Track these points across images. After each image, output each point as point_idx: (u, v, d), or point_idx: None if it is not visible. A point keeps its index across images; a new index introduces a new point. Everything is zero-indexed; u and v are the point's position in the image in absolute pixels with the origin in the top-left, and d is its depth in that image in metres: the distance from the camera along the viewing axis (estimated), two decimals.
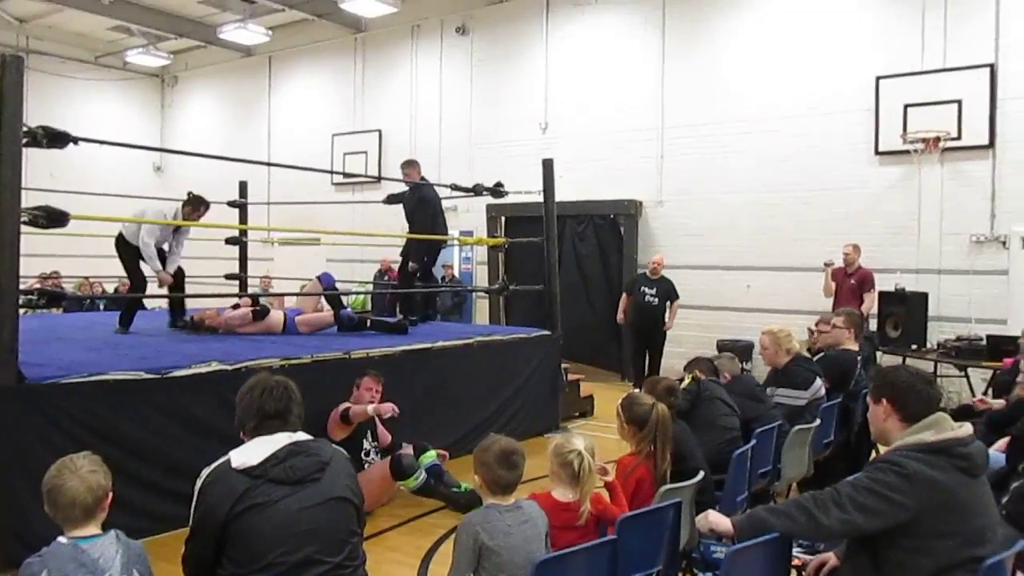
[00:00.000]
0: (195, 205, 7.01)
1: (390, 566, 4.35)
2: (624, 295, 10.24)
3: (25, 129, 4.38)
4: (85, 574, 2.34)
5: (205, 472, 2.59)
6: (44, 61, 15.67)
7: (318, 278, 7.40)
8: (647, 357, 9.91)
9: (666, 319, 9.84)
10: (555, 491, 3.11)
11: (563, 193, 9.06)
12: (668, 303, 9.85)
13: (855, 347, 6.18)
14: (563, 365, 8.43)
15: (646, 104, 11.62)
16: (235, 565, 2.47)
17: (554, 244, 8.28)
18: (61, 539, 2.43)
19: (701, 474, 3.71)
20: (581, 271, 11.98)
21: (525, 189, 8.29)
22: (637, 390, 4.39)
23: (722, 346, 9.96)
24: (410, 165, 8.41)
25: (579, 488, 3.08)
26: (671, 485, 3.49)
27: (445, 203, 13.16)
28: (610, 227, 11.83)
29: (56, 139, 4.59)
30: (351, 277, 13.54)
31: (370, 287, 13.27)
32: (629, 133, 11.74)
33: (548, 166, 8.25)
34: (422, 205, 8.16)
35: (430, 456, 5.51)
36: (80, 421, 4.51)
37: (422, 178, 8.34)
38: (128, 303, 7.18)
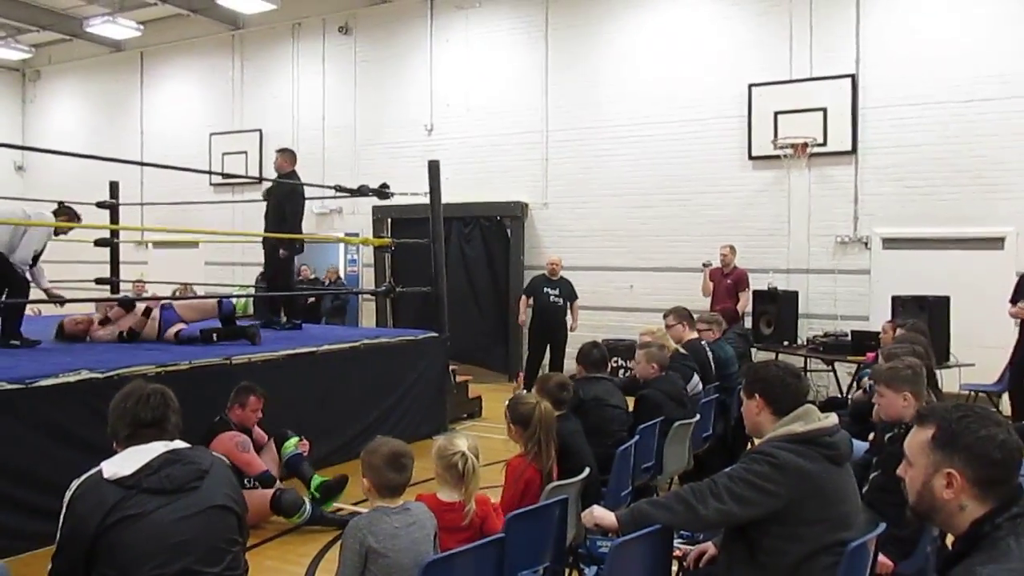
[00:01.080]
0: (69, 217, 6.65)
1: (274, 575, 4.25)
2: (523, 297, 10.35)
3: None
4: None
5: (74, 484, 2.46)
6: None
7: (219, 301, 7.07)
8: (548, 358, 10.04)
9: (568, 320, 10.01)
10: (440, 492, 3.11)
11: (449, 195, 9.07)
12: (569, 303, 10.03)
13: (695, 335, 6.45)
14: (451, 367, 8.44)
15: (531, 107, 11.76)
16: None
17: (441, 245, 8.28)
18: None
19: (587, 471, 3.78)
20: (468, 272, 12.01)
21: (411, 191, 8.25)
22: (525, 391, 4.43)
23: (607, 346, 10.17)
24: (283, 153, 8.25)
25: (464, 488, 3.09)
26: (557, 482, 3.55)
27: (330, 204, 13.12)
28: (496, 229, 11.92)
29: None
30: (231, 280, 13.14)
31: (251, 290, 12.89)
32: (515, 136, 11.86)
33: (434, 168, 8.24)
34: (293, 196, 8.02)
35: (291, 445, 5.41)
36: None
37: (293, 171, 8.16)
38: (9, 311, 6.34)
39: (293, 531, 5.08)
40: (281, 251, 8.00)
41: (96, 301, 6.90)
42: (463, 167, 11.80)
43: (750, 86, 10.16)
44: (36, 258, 6.54)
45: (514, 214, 11.71)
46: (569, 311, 10.04)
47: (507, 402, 3.88)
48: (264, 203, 8.33)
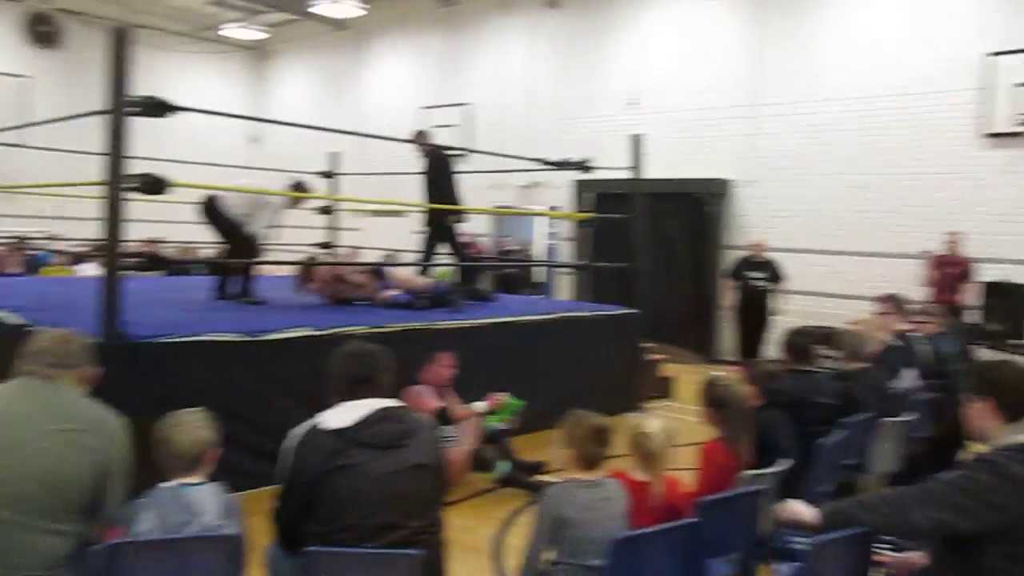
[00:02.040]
0: (300, 190, 7.19)
1: (466, 534, 4.41)
2: (729, 280, 10.10)
3: (130, 99, 4.55)
4: (185, 515, 2.53)
5: (296, 432, 2.68)
6: (150, 35, 16.19)
7: (434, 284, 7.38)
8: (754, 342, 9.75)
9: (773, 303, 9.67)
10: (632, 471, 3.11)
11: (652, 170, 8.92)
12: (774, 286, 9.68)
13: (909, 327, 5.95)
14: (645, 345, 8.37)
15: (740, 80, 11.33)
16: (320, 523, 2.55)
17: (641, 222, 8.18)
18: (164, 484, 2.62)
19: (789, 462, 3.63)
20: (667, 250, 11.81)
21: (614, 165, 8.19)
22: (721, 373, 4.31)
23: (814, 334, 9.71)
24: (423, 135, 8.37)
25: (652, 470, 3.06)
26: (754, 471, 3.44)
27: (534, 176, 13.32)
28: (699, 206, 11.63)
29: (158, 109, 4.76)
30: (436, 250, 13.66)
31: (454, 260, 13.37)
32: (721, 110, 11.48)
33: (637, 142, 8.14)
34: (441, 169, 8.11)
35: (495, 419, 5.51)
36: (178, 379, 4.70)
37: (433, 145, 8.24)
38: (243, 270, 6.99)
39: (486, 493, 5.26)
40: (450, 219, 8.13)
41: (353, 265, 7.20)
42: (667, 142, 11.57)
43: (990, 55, 9.22)
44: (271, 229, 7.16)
45: (718, 191, 11.38)
46: (774, 294, 9.66)
47: (702, 384, 3.80)
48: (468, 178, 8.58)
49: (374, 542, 2.50)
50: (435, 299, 6.87)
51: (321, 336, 5.36)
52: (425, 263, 8.23)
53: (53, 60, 15.82)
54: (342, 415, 2.66)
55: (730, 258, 10.72)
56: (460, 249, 8.44)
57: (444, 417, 5.30)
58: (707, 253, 11.44)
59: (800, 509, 2.76)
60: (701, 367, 10.49)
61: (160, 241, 13.08)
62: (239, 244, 6.79)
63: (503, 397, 5.60)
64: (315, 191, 7.45)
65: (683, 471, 3.40)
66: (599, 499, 2.78)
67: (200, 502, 2.58)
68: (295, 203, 7.18)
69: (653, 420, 3.15)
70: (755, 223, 11.13)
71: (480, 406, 5.46)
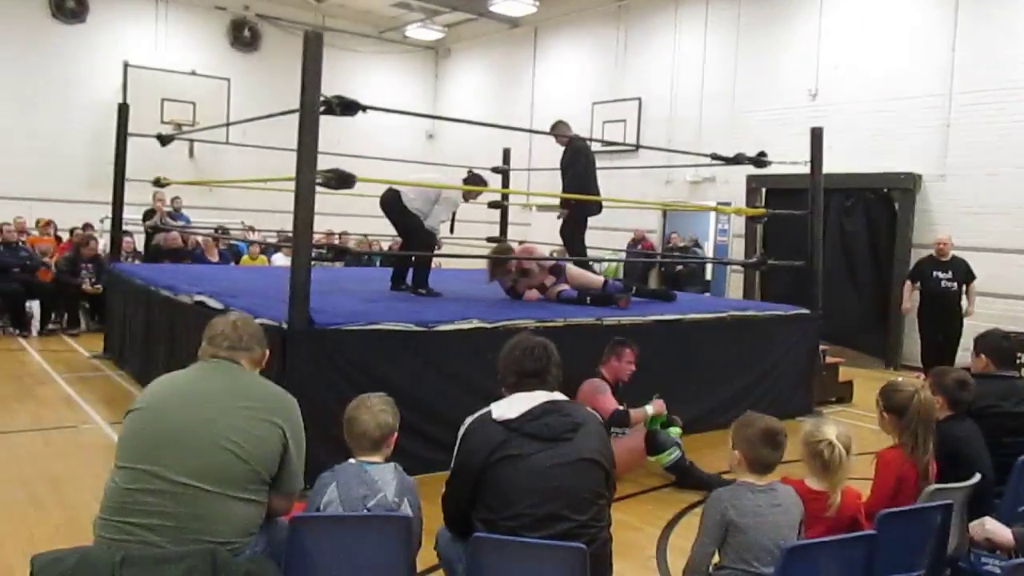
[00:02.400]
0: (475, 183, 7.37)
1: (630, 532, 4.40)
2: (908, 282, 9.51)
3: (322, 99, 4.83)
4: (365, 489, 2.69)
5: (468, 420, 2.76)
6: (337, 37, 17.12)
7: (605, 282, 7.35)
8: (940, 348, 9.12)
9: (964, 305, 9.02)
10: (807, 479, 2.97)
11: (831, 164, 8.50)
12: (964, 286, 9.02)
13: None
14: (821, 347, 8.01)
15: (931, 69, 10.58)
16: (488, 510, 2.62)
17: (819, 218, 7.82)
18: (351, 460, 2.81)
19: (978, 476, 3.37)
20: (847, 249, 11.24)
21: (790, 159, 7.88)
22: (903, 378, 4.05)
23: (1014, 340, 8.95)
24: (560, 125, 8.18)
25: (829, 479, 2.91)
26: (941, 485, 3.21)
27: (703, 172, 13.05)
28: (882, 203, 10.99)
29: (348, 108, 5.03)
30: (605, 245, 13.67)
31: (622, 255, 13.33)
32: (909, 101, 10.77)
33: (817, 135, 7.78)
34: (575, 156, 7.95)
35: (676, 431, 5.48)
36: (356, 364, 4.96)
37: (573, 136, 8.09)
38: (419, 264, 7.22)
39: (652, 492, 5.22)
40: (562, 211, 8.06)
41: (533, 260, 7.31)
42: (848, 135, 11.01)
43: None
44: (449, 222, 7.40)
45: (904, 186, 10.70)
46: (964, 295, 8.97)
47: (881, 388, 3.59)
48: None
49: (539, 532, 2.54)
50: (602, 296, 6.85)
51: (491, 328, 5.49)
52: (584, 258, 8.18)
53: (250, 62, 17.04)
54: (510, 406, 2.72)
55: (915, 257, 10.05)
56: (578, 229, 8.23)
57: (622, 419, 5.32)
58: (891, 251, 10.78)
59: (995, 528, 2.57)
60: (882, 372, 9.95)
61: (342, 233, 13.84)
62: (416, 237, 7.06)
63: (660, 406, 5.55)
64: (488, 184, 7.60)
65: (859, 480, 3.22)
66: (769, 505, 2.69)
67: (380, 479, 2.73)
68: (470, 196, 7.36)
69: (830, 426, 2.98)
70: (944, 220, 10.38)
71: (650, 409, 5.43)
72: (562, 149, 8.12)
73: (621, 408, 5.31)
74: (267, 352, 2.94)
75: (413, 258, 7.26)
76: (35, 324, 10.27)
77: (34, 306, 10.33)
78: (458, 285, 7.97)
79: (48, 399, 7.06)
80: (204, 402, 2.61)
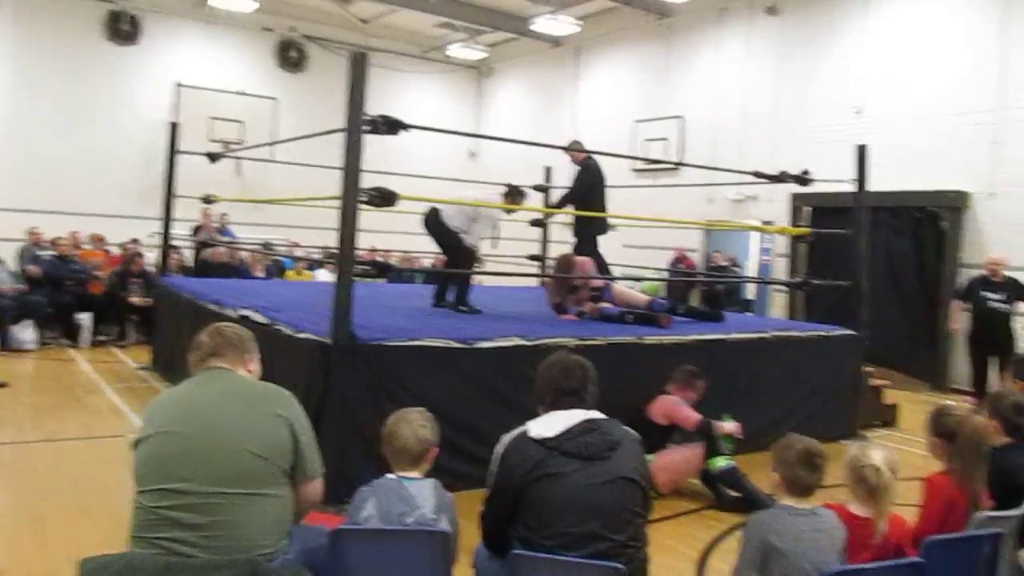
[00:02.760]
0: (513, 197, 7.40)
1: (667, 555, 4.36)
2: (955, 301, 9.32)
3: (366, 118, 4.91)
4: (403, 506, 2.70)
5: (505, 439, 2.77)
6: (381, 57, 17.36)
7: (650, 302, 7.33)
8: (989, 370, 8.92)
9: (1016, 326, 8.82)
10: (850, 504, 2.91)
11: (877, 182, 8.39)
12: (1017, 308, 8.83)
13: None
14: (866, 369, 7.88)
15: (980, 84, 10.40)
16: (527, 529, 2.62)
17: (864, 237, 7.72)
18: (389, 475, 2.83)
19: None
20: (893, 268, 11.06)
21: (834, 177, 7.79)
22: (952, 402, 3.97)
23: None
24: (576, 144, 8.32)
25: (875, 505, 2.85)
26: (993, 513, 3.13)
27: (745, 190, 12.95)
28: (930, 221, 10.79)
29: (392, 127, 5.10)
30: (646, 263, 13.61)
31: (663, 275, 13.26)
32: (957, 117, 10.59)
33: (862, 153, 7.69)
34: (581, 174, 8.08)
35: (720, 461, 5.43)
36: (397, 380, 5.00)
37: (588, 156, 8.14)
38: (460, 281, 7.27)
39: (692, 513, 5.17)
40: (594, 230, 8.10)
41: (576, 279, 7.34)
42: (894, 152, 10.85)
43: None
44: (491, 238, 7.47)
45: (953, 204, 10.50)
46: (1015, 317, 8.76)
47: (930, 413, 3.52)
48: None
49: (577, 551, 2.53)
50: (644, 315, 6.83)
51: (531, 346, 5.50)
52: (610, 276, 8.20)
53: (296, 82, 17.34)
54: (548, 424, 2.72)
55: (965, 277, 9.84)
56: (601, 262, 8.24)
57: (707, 430, 5.36)
58: (939, 271, 10.58)
59: None
60: (928, 394, 9.74)
61: (385, 250, 13.98)
62: (457, 254, 7.11)
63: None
64: (527, 196, 7.63)
65: (905, 507, 3.16)
66: (812, 530, 2.64)
67: (419, 495, 2.75)
68: (510, 210, 7.39)
69: (876, 450, 2.92)
70: (994, 239, 10.15)
71: (728, 426, 5.45)
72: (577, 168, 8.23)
73: (706, 418, 5.39)
74: (252, 355, 2.97)
75: (454, 275, 7.31)
76: (85, 335, 10.52)
77: (85, 318, 10.58)
78: (499, 302, 7.99)
79: (97, 408, 7.22)
80: (207, 412, 2.65)
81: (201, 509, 2.49)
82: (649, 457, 5.23)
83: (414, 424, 2.86)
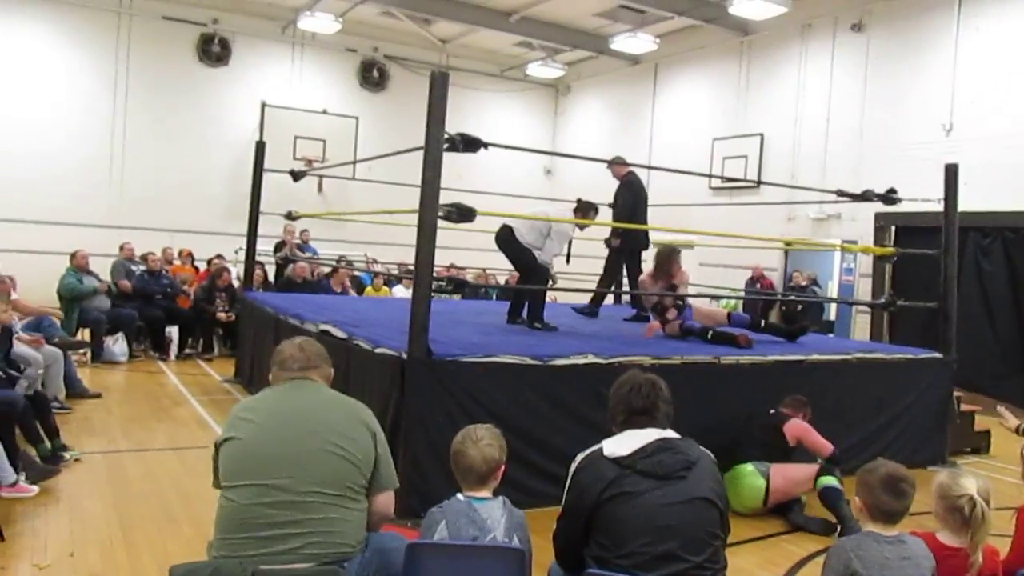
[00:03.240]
0: (585, 212, 7.41)
1: None
2: None
3: (446, 136, 4.99)
4: (474, 529, 2.69)
5: (579, 457, 2.76)
6: (460, 76, 17.58)
7: (729, 315, 7.36)
8: None
9: None
10: (940, 533, 2.79)
11: (967, 202, 8.10)
12: None
13: None
14: (956, 394, 7.58)
15: None
16: (601, 548, 2.60)
17: (953, 258, 7.44)
18: (459, 496, 2.82)
19: None
20: (984, 290, 10.63)
21: (921, 196, 7.55)
22: None
23: None
24: (618, 159, 8.54)
25: (970, 536, 2.72)
26: None
27: (828, 208, 12.66)
28: (1023, 242, 10.36)
29: (471, 144, 5.17)
30: (723, 282, 13.41)
31: (740, 294, 13.04)
32: None
33: (951, 172, 7.44)
34: (623, 189, 8.39)
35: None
36: (472, 396, 5.04)
37: (629, 172, 8.41)
38: (534, 298, 7.28)
39: (771, 538, 5.05)
40: (612, 241, 8.47)
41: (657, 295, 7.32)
42: (987, 171, 10.46)
43: None
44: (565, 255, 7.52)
45: None
46: None
47: None
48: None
49: (655, 572, 2.50)
50: (723, 334, 6.72)
51: (605, 364, 5.47)
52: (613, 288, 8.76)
53: (377, 101, 17.71)
54: (623, 443, 2.70)
55: None
56: (638, 275, 8.29)
57: (838, 460, 5.44)
58: None
59: None
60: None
61: (460, 267, 14.12)
62: (530, 271, 7.14)
63: None
64: (599, 211, 7.62)
65: (996, 536, 3.03)
66: (898, 558, 2.54)
67: (490, 517, 2.73)
68: (584, 224, 7.39)
69: (969, 479, 2.78)
70: None
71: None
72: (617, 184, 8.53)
73: (837, 449, 5.51)
74: (329, 370, 3.07)
75: (527, 292, 7.34)
76: (173, 348, 10.90)
77: (173, 331, 10.97)
78: (574, 320, 7.98)
79: (183, 420, 7.46)
80: (305, 416, 2.76)
81: (299, 507, 2.59)
82: (763, 466, 5.33)
83: (480, 443, 2.84)
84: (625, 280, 8.70)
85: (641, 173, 8.70)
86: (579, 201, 7.45)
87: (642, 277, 7.50)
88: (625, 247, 8.44)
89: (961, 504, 2.71)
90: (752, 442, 5.54)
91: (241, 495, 2.62)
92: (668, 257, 7.13)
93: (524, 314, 7.30)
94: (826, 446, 5.51)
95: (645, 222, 8.43)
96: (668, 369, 5.51)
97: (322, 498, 2.62)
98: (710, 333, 6.74)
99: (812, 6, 13.25)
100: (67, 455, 5.73)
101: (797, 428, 5.62)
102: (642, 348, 6.04)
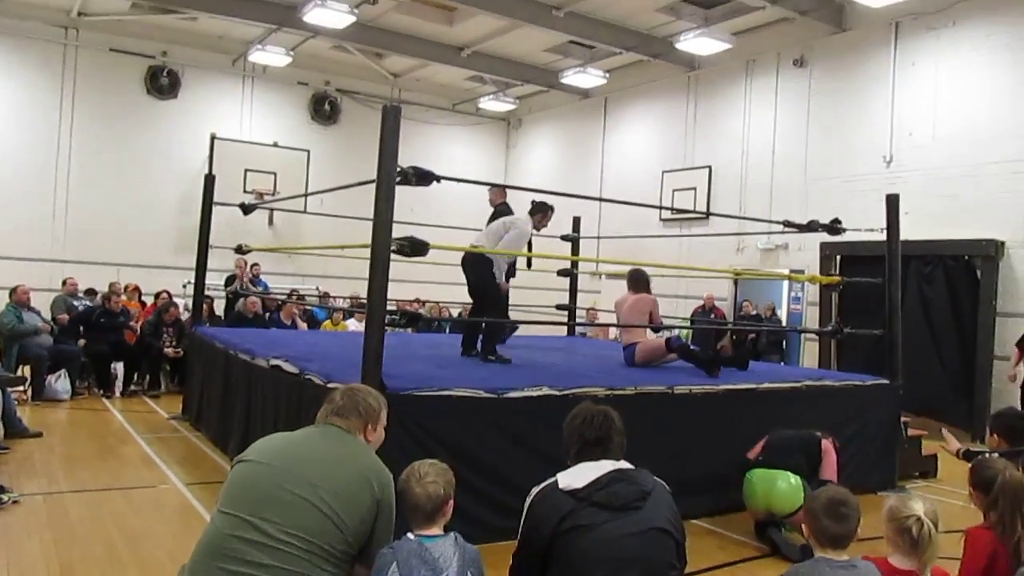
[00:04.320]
0: (543, 212, 7.43)
1: None
2: (1017, 349, 9.27)
3: (398, 169, 4.98)
4: (426, 569, 2.62)
5: (534, 490, 2.75)
6: (412, 109, 17.66)
7: (667, 340, 7.42)
8: None
9: None
10: (891, 557, 2.83)
11: (909, 231, 8.35)
12: None
13: None
14: (904, 418, 7.73)
15: (1012, 134, 10.34)
16: None
17: (897, 285, 7.64)
18: (409, 535, 2.75)
19: None
20: (927, 317, 10.90)
21: (865, 226, 7.75)
22: (993, 453, 3.89)
23: None
24: (495, 188, 8.70)
25: (918, 557, 2.77)
26: None
27: (776, 239, 12.91)
28: (964, 269, 10.66)
29: (423, 178, 5.16)
30: (675, 312, 13.56)
31: (696, 322, 13.18)
32: (991, 166, 10.51)
33: (893, 202, 7.65)
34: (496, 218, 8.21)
35: None
36: (428, 430, 4.98)
37: (504, 202, 8.33)
38: (488, 329, 7.23)
39: (727, 566, 5.07)
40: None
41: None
42: (926, 201, 10.80)
43: None
44: (511, 269, 7.46)
45: (986, 253, 10.37)
46: None
47: (972, 464, 3.45)
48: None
49: None
50: (707, 358, 6.88)
51: (560, 396, 5.47)
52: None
53: (329, 134, 17.67)
54: (577, 475, 2.70)
55: (1000, 325, 9.68)
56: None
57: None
58: (975, 319, 10.42)
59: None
60: (970, 445, 9.50)
61: (411, 300, 14.05)
62: (487, 297, 7.12)
63: None
64: (554, 209, 7.58)
65: (946, 559, 3.08)
66: None
67: (442, 556, 2.66)
68: (541, 225, 7.37)
69: (917, 502, 2.83)
70: None
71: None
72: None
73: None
74: (376, 424, 3.04)
75: (481, 324, 7.31)
76: (118, 385, 10.63)
77: (118, 367, 10.71)
78: (528, 352, 7.98)
79: (129, 458, 7.26)
80: (310, 465, 2.71)
81: (268, 552, 2.54)
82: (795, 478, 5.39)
83: (424, 480, 2.79)
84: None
85: (592, 205, 8.78)
86: (533, 203, 7.47)
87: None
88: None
89: (909, 525, 2.75)
90: (791, 452, 5.62)
91: (225, 523, 2.61)
92: (647, 276, 7.40)
93: (480, 346, 7.28)
94: (834, 474, 5.67)
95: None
96: (622, 399, 5.53)
97: (297, 551, 2.55)
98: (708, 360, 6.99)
99: (755, 42, 13.61)
100: (4, 496, 5.53)
101: (829, 449, 5.79)
102: (597, 380, 6.06)
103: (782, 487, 5.37)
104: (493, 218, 8.12)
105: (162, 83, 15.94)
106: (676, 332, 7.74)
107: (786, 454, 5.58)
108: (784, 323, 13.44)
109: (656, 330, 7.66)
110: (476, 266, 7.07)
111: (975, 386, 10.23)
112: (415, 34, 15.20)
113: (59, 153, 15.02)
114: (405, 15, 14.17)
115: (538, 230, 7.41)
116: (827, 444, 5.81)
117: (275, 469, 2.70)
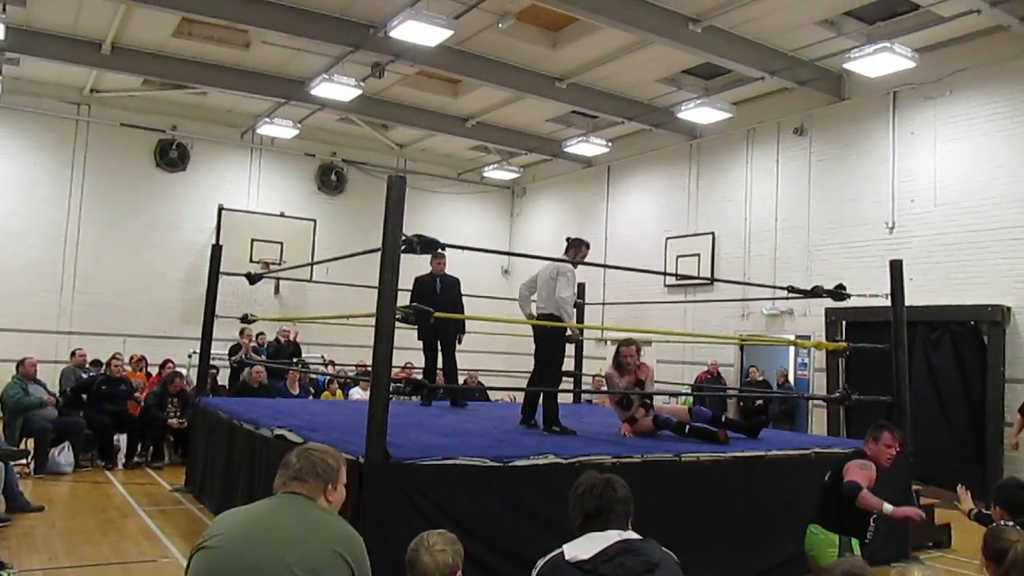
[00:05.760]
0: (577, 247, 7.44)
1: None
2: (1020, 416, 9.18)
3: (403, 237, 5.04)
4: None
5: (540, 562, 2.70)
6: (417, 179, 17.91)
7: (690, 410, 7.36)
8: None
9: None
10: None
11: (914, 297, 8.35)
12: None
13: None
14: (915, 487, 7.62)
15: (1015, 199, 10.42)
16: None
17: (903, 352, 7.61)
18: None
19: None
20: (935, 383, 10.82)
21: (869, 292, 7.77)
22: (1009, 523, 3.81)
23: None
24: (441, 258, 9.06)
25: None
26: None
27: (780, 305, 12.91)
28: (970, 335, 10.62)
29: (428, 246, 5.23)
30: (680, 378, 13.50)
31: (703, 390, 13.09)
32: (994, 232, 10.56)
33: (896, 268, 7.69)
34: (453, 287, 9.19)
35: None
36: (431, 499, 4.93)
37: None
38: (550, 399, 7.14)
39: None
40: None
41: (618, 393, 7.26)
42: (930, 267, 10.83)
43: None
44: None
45: (992, 319, 10.35)
46: None
47: (985, 532, 3.38)
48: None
49: None
50: (702, 430, 6.75)
51: (566, 464, 5.42)
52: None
53: (335, 204, 17.89)
54: (584, 546, 2.65)
55: (1009, 391, 9.60)
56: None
57: (851, 492, 5.03)
58: (983, 386, 10.34)
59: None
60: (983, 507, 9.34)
61: (411, 367, 14.01)
62: (546, 353, 7.14)
63: None
64: (589, 245, 7.73)
65: None
66: None
67: None
68: (577, 259, 7.46)
69: (917, 570, 2.76)
70: None
71: (888, 508, 5.05)
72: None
73: (855, 482, 5.02)
74: (336, 484, 2.91)
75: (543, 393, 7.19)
76: (121, 456, 10.53)
77: (121, 439, 10.62)
78: (591, 422, 7.86)
79: (130, 532, 7.17)
80: (273, 540, 2.61)
81: None
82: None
83: (433, 549, 2.75)
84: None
85: (597, 271, 8.82)
86: (568, 239, 7.51)
87: (608, 371, 7.41)
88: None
89: None
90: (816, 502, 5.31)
91: None
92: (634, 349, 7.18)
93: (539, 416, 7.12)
94: (849, 478, 5.12)
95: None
96: (629, 467, 5.47)
97: None
98: (687, 428, 6.74)
99: (756, 111, 13.84)
100: (5, 573, 5.45)
101: (849, 466, 5.26)
102: (603, 448, 6.01)
103: (808, 541, 5.12)
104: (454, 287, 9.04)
105: (171, 156, 16.22)
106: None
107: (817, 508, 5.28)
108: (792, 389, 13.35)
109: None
110: (542, 329, 7.06)
111: (986, 454, 10.09)
112: (420, 106, 15.51)
113: (68, 226, 15.21)
114: (410, 88, 14.48)
115: (575, 266, 7.39)
116: (849, 464, 5.28)
117: (236, 551, 2.59)
